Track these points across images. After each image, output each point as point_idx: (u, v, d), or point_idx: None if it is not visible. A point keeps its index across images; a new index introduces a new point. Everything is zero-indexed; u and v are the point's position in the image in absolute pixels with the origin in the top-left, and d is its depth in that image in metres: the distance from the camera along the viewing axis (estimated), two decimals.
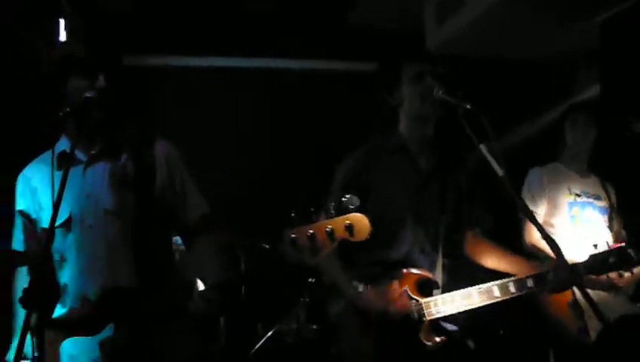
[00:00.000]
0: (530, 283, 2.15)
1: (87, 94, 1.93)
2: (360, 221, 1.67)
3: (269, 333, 3.62)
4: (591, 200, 3.16)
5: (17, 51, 2.77)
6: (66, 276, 2.04)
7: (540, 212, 3.12)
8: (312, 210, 1.73)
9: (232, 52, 4.85)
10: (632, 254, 2.21)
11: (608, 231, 3.15)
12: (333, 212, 1.70)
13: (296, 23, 4.89)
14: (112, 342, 1.91)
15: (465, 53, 4.67)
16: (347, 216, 1.68)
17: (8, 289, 2.17)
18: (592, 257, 2.24)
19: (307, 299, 3.54)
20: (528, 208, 1.95)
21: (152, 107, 4.46)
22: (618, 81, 4.17)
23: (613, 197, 3.25)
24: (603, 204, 3.18)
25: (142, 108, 4.15)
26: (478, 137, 2.03)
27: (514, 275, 2.21)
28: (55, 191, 1.74)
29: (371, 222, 2.16)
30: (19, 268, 2.16)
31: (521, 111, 4.70)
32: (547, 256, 2.87)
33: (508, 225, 3.22)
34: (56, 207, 1.70)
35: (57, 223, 1.99)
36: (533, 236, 3.06)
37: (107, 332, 1.93)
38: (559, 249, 1.95)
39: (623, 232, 3.19)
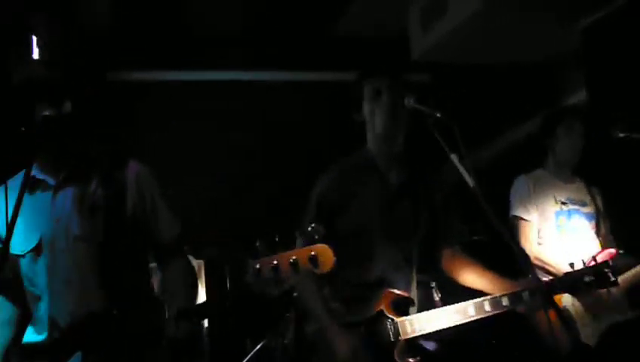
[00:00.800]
0: (505, 301, 2.12)
1: (46, 113, 1.91)
2: (324, 252, 1.63)
3: (256, 348, 3.60)
4: (577, 207, 3.13)
5: None
6: (35, 302, 2.02)
7: (533, 219, 3.09)
8: (277, 239, 1.71)
9: (218, 65, 4.85)
10: (609, 274, 2.17)
11: (595, 237, 3.13)
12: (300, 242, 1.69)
13: (281, 34, 4.88)
14: None
15: (450, 60, 4.67)
16: (311, 246, 1.64)
17: None
18: (568, 275, 2.21)
19: (293, 313, 3.51)
20: (498, 221, 1.91)
21: (138, 120, 4.44)
22: (604, 85, 4.16)
23: (600, 202, 3.23)
24: (589, 210, 3.16)
25: (117, 127, 4.13)
26: (449, 147, 2.00)
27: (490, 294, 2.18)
28: (9, 215, 1.71)
29: (342, 243, 2.17)
30: None
31: (507, 117, 4.68)
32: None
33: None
34: (9, 229, 1.68)
35: (28, 249, 2.01)
36: (532, 249, 3.04)
37: (76, 360, 1.91)
38: (533, 267, 1.92)
39: (611, 236, 3.17)
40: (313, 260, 1.62)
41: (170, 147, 4.44)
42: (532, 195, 3.10)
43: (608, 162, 3.50)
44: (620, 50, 4.03)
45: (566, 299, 2.88)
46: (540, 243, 3.08)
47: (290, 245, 1.69)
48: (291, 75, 4.91)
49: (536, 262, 2.98)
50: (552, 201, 3.10)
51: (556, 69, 4.73)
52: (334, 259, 1.63)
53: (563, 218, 3.09)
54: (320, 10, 4.69)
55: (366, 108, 2.34)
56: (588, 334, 2.85)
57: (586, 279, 2.16)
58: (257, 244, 1.69)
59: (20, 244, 2.02)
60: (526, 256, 1.96)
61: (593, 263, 2.19)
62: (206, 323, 3.66)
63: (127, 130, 4.24)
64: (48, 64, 2.24)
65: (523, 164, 3.34)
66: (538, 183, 3.15)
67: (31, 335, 2.05)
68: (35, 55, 3.14)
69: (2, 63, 2.69)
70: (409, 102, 2.17)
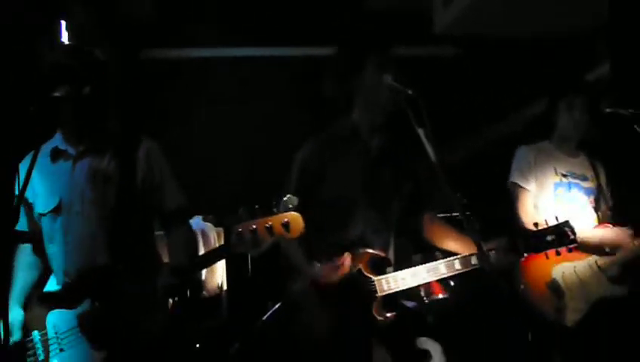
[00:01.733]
0: (473, 260, 2.26)
1: (56, 93, 2.17)
2: (295, 220, 1.93)
3: (275, 307, 3.81)
4: (577, 180, 3.15)
5: (19, 50, 3.01)
6: (53, 256, 2.33)
7: (531, 188, 3.13)
8: (257, 206, 1.95)
9: (250, 41, 5.04)
10: (569, 232, 2.25)
11: (594, 212, 3.15)
12: (274, 210, 1.96)
13: (310, 10, 5.00)
14: (87, 314, 2.18)
15: (472, 32, 4.67)
16: (284, 214, 1.94)
17: None
18: (532, 235, 2.31)
19: None
20: (459, 199, 2.04)
21: (165, 98, 4.70)
22: (630, 58, 4.07)
23: (603, 177, 3.23)
24: (589, 184, 3.17)
25: (136, 105, 4.37)
26: (418, 122, 2.10)
27: None
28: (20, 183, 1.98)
29: (324, 208, 2.35)
30: (20, 246, 2.47)
31: (530, 90, 4.66)
32: None
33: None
34: (21, 192, 1.96)
35: (49, 209, 2.32)
36: (529, 213, 3.09)
37: (85, 306, 2.20)
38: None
39: (609, 213, 3.18)
40: (286, 226, 1.93)
41: (199, 123, 4.70)
42: (532, 166, 3.13)
43: (610, 138, 3.46)
44: None
45: (556, 271, 2.95)
46: (537, 213, 3.10)
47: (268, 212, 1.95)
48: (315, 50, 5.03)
49: (533, 227, 3.05)
50: (552, 173, 3.13)
51: (580, 42, 4.64)
52: (303, 225, 1.93)
53: (562, 189, 3.12)
54: None
55: (367, 79, 2.40)
56: (576, 307, 2.90)
57: (548, 238, 2.26)
58: (239, 211, 1.95)
59: (42, 204, 2.33)
60: (476, 232, 2.06)
61: (555, 223, 2.27)
62: (225, 284, 3.93)
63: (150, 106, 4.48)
64: (74, 50, 2.46)
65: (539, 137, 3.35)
66: (540, 154, 3.17)
67: (50, 285, 2.38)
68: (65, 40, 3.42)
69: (31, 46, 2.95)
70: (386, 79, 2.30)
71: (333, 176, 2.43)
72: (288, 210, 1.95)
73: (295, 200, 1.95)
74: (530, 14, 4.45)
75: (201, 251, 3.90)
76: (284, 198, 1.96)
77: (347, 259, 2.29)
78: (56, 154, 2.35)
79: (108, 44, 3.91)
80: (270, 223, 1.93)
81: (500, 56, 4.85)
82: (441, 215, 2.64)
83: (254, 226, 1.93)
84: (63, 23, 3.40)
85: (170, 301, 3.49)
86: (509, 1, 4.25)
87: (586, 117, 3.13)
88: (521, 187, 3.14)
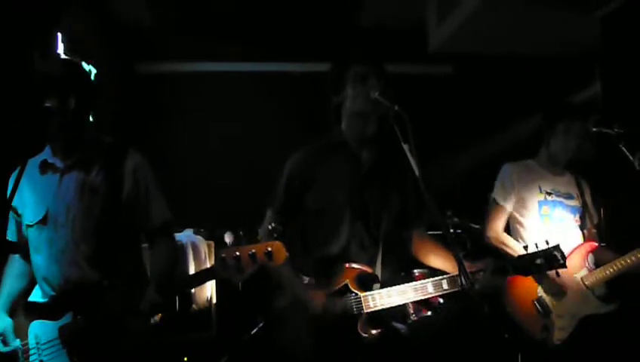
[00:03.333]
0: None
1: (47, 104, 2.18)
2: (278, 249, 1.98)
3: (262, 323, 3.80)
4: (561, 199, 3.16)
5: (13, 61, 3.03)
6: (37, 267, 2.33)
7: (508, 207, 3.15)
8: (241, 233, 1.96)
9: (242, 57, 5.08)
10: (558, 256, 2.26)
11: (579, 230, 3.16)
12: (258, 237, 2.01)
13: (303, 26, 5.05)
14: (68, 327, 2.18)
15: (465, 50, 4.72)
16: (268, 243, 1.98)
17: None
18: (520, 258, 2.30)
19: None
20: (444, 216, 2.04)
21: (159, 111, 4.73)
22: (619, 78, 4.11)
23: (588, 195, 3.24)
24: (574, 203, 3.17)
25: (129, 117, 4.39)
26: (403, 137, 2.12)
27: None
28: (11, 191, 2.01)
29: (310, 220, 2.35)
30: (11, 256, 2.48)
31: (519, 107, 4.70)
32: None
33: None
34: (8, 202, 2.01)
35: (36, 220, 2.32)
36: (496, 229, 3.13)
37: (67, 318, 2.20)
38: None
39: (594, 231, 3.19)
40: (268, 255, 1.97)
41: (191, 134, 4.72)
42: (514, 184, 3.15)
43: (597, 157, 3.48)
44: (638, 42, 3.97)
45: (541, 289, 2.95)
46: (522, 231, 3.14)
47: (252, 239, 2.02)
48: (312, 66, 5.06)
49: (497, 244, 3.08)
50: (537, 191, 3.14)
51: (572, 61, 4.68)
52: (287, 255, 1.97)
53: (547, 208, 3.12)
54: (340, 3, 4.84)
55: (349, 88, 2.44)
56: (563, 324, 2.90)
57: (538, 261, 2.26)
58: (223, 236, 1.98)
59: (30, 216, 2.34)
60: (458, 249, 2.06)
61: (545, 247, 2.27)
62: (214, 297, 3.92)
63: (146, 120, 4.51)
64: (62, 61, 2.47)
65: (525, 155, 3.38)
66: (524, 172, 3.18)
67: (34, 296, 2.38)
68: (60, 51, 3.44)
69: (26, 57, 2.96)
70: (373, 94, 2.30)
71: (320, 185, 2.43)
72: (272, 238, 1.99)
73: (279, 229, 2.02)
74: (523, 33, 4.51)
75: (192, 263, 3.91)
76: (269, 227, 2.04)
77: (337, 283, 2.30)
78: (44, 167, 2.36)
79: (103, 56, 3.93)
80: (253, 251, 1.96)
81: (493, 74, 4.89)
82: (432, 232, 2.64)
83: (237, 253, 1.96)
84: (59, 35, 3.42)
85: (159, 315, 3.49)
86: (502, 21, 4.29)
87: (579, 141, 3.14)
88: (498, 204, 3.16)
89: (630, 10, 4.03)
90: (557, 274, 2.32)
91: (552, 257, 2.26)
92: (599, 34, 4.19)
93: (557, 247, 2.28)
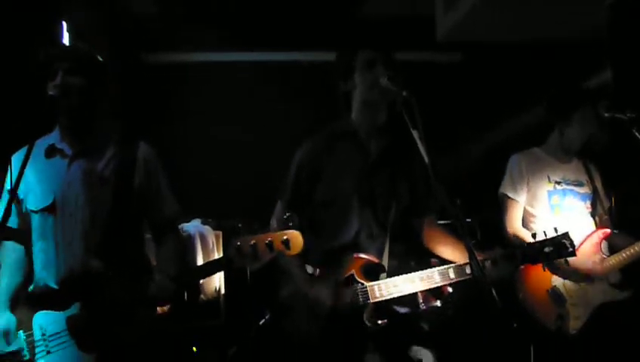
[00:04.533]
0: (468, 269, 2.22)
1: (51, 92, 2.16)
2: (296, 238, 1.99)
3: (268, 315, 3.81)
4: (571, 187, 3.12)
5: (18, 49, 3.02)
6: (41, 255, 2.29)
7: (521, 200, 3.10)
8: (256, 224, 1.98)
9: (248, 46, 5.05)
10: (567, 244, 2.23)
11: (590, 218, 3.12)
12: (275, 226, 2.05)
13: (309, 15, 5.01)
14: (77, 317, 2.17)
15: (473, 38, 4.66)
16: (285, 231, 1.99)
17: None
18: (529, 246, 2.28)
19: None
20: (453, 203, 2.00)
21: (167, 101, 4.71)
22: (630, 65, 4.04)
23: (598, 182, 3.19)
24: (585, 190, 3.13)
25: (137, 108, 4.37)
26: (412, 124, 2.09)
27: None
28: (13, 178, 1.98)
29: (320, 209, 2.35)
30: (4, 243, 2.40)
31: (529, 95, 4.63)
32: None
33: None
34: (14, 190, 1.98)
35: (42, 207, 2.29)
36: (514, 225, 3.08)
37: (74, 309, 2.18)
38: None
39: (606, 217, 3.15)
40: (286, 243, 1.98)
41: (198, 124, 4.70)
42: (524, 175, 3.10)
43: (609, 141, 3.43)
44: None
45: (556, 278, 2.92)
46: (533, 222, 3.10)
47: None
48: (319, 55, 5.03)
49: (514, 239, 3.03)
50: (546, 181, 3.10)
51: (581, 47, 4.61)
52: (303, 243, 1.98)
53: (556, 197, 3.08)
54: None
55: (357, 77, 2.43)
56: (578, 313, 2.88)
57: (546, 249, 2.24)
58: (239, 226, 1.98)
59: (35, 201, 2.30)
60: (468, 237, 2.03)
61: (554, 234, 2.25)
62: (222, 288, 3.93)
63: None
64: (73, 49, 2.45)
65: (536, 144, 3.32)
66: (531, 162, 3.14)
67: (36, 284, 2.32)
68: (66, 41, 3.43)
69: (31, 46, 2.95)
70: (383, 81, 2.29)
71: (329, 175, 2.42)
72: (288, 227, 2.00)
73: (296, 217, 2.02)
74: (531, 20, 4.44)
75: (200, 253, 3.91)
76: (285, 217, 2.03)
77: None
78: (51, 151, 2.33)
79: (109, 46, 3.92)
80: (270, 239, 1.97)
81: (502, 61, 4.83)
82: (442, 221, 2.61)
83: (254, 241, 1.97)
84: (65, 24, 3.40)
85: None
86: (510, 8, 4.22)
87: (594, 129, 3.10)
88: (510, 198, 3.11)
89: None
90: (566, 262, 2.29)
91: (561, 245, 2.24)
92: (608, 20, 4.13)
93: (566, 235, 2.26)
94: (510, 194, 3.11)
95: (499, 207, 3.16)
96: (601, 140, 3.26)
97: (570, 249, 2.23)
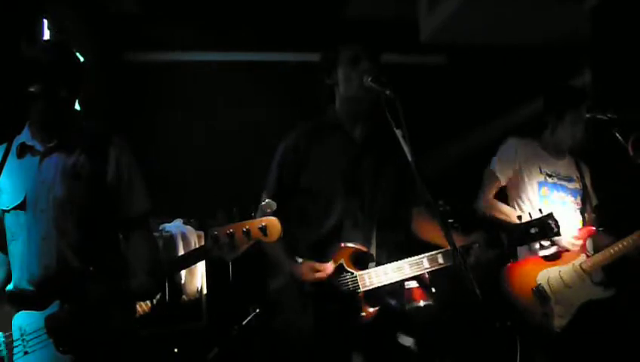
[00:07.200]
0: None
1: (31, 89, 2.10)
2: (273, 224, 1.94)
3: (253, 314, 3.76)
4: (562, 182, 3.15)
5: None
6: (16, 254, 2.21)
7: (502, 179, 3.13)
8: (235, 210, 1.93)
9: (232, 46, 5.04)
10: (552, 225, 2.25)
11: (579, 213, 3.14)
12: (252, 214, 1.97)
13: (292, 16, 5.02)
14: (56, 316, 2.08)
15: (457, 40, 4.71)
16: (262, 219, 1.94)
17: None
18: (515, 228, 2.29)
19: None
20: (430, 198, 2.00)
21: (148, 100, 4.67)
22: (610, 68, 4.11)
23: (588, 178, 3.23)
24: (574, 185, 3.16)
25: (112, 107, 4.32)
26: (395, 122, 2.09)
27: None
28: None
29: (304, 199, 2.32)
30: None
31: (510, 99, 4.70)
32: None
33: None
34: None
35: (13, 205, 2.21)
36: (488, 197, 3.11)
37: (53, 308, 2.10)
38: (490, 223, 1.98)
39: (593, 215, 3.17)
40: (263, 230, 1.94)
41: (180, 123, 4.66)
42: (514, 158, 3.12)
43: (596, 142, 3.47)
44: (628, 32, 3.97)
45: (541, 276, 2.93)
46: (521, 204, 3.12)
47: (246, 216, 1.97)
48: (301, 56, 5.04)
49: (490, 211, 3.06)
50: (537, 171, 3.12)
51: (562, 50, 4.69)
52: (281, 229, 1.94)
53: (546, 189, 3.11)
54: None
55: (340, 72, 2.44)
56: (562, 312, 2.89)
57: (532, 231, 2.26)
58: (217, 214, 1.92)
59: (6, 200, 2.22)
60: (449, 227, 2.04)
61: (539, 215, 2.27)
62: (204, 288, 3.88)
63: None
64: (54, 47, 2.39)
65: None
66: (526, 150, 3.15)
67: (14, 284, 2.23)
68: (46, 38, 3.36)
69: (11, 43, 2.89)
70: (366, 80, 2.28)
71: (313, 165, 2.41)
72: (266, 214, 1.95)
73: (273, 204, 1.96)
74: (514, 22, 4.50)
75: (181, 253, 3.84)
76: (263, 203, 1.97)
77: (330, 267, 2.26)
78: (23, 149, 2.25)
79: (90, 43, 3.86)
80: (247, 227, 1.93)
81: (486, 63, 4.88)
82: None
83: (231, 230, 1.92)
84: (45, 22, 3.34)
85: (149, 303, 3.43)
86: (493, 10, 4.27)
87: (582, 130, 3.11)
88: (493, 173, 3.13)
89: (620, 1, 4.04)
90: (551, 242, 2.30)
91: (546, 226, 2.26)
92: (589, 24, 4.20)
93: (550, 215, 2.28)
94: (495, 171, 3.13)
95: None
96: (582, 139, 3.29)
97: (555, 229, 2.26)
